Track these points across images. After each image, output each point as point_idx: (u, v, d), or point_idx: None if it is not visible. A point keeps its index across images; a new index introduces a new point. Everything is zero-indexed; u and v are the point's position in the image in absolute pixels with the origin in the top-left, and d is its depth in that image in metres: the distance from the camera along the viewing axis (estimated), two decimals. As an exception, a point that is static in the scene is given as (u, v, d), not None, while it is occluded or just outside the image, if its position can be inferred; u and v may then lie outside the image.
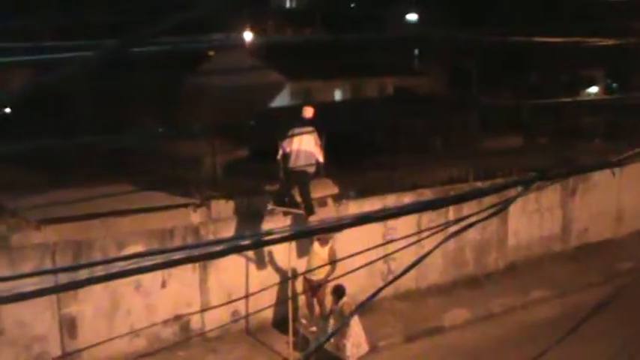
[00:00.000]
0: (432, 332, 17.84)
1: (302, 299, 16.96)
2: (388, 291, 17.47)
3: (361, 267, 7.16)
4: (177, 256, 5.63)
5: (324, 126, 17.17)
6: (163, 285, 16.03)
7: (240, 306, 16.85)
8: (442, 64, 42.53)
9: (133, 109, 27.14)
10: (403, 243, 6.98)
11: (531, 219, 22.31)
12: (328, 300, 15.80)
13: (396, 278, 5.62)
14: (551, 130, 30.76)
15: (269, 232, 6.75)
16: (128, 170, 18.94)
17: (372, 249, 6.42)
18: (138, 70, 26.54)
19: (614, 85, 45.50)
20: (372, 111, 32.15)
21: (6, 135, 23.66)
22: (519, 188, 6.62)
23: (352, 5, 49.93)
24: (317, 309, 16.58)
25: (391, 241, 7.97)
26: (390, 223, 17.58)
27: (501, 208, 5.84)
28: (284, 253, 16.34)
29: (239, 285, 16.85)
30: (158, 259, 5.67)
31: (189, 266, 15.90)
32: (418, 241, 7.25)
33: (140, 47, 4.97)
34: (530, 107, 30.92)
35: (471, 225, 5.53)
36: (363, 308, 14.62)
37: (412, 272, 6.39)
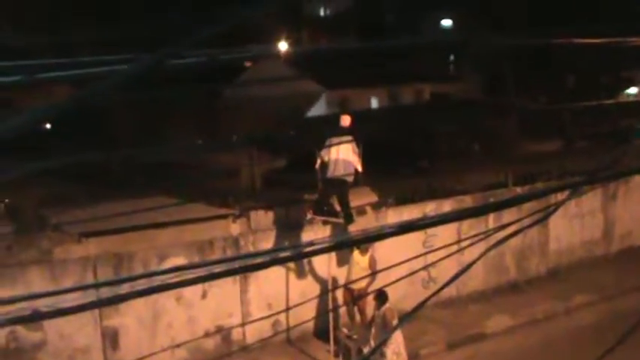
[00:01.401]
0: (474, 339, 17.70)
1: (343, 308, 16.91)
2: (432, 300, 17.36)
3: (403, 278, 7.13)
4: (217, 268, 5.63)
5: (362, 134, 17.15)
6: (204, 296, 16.07)
7: (281, 316, 16.84)
8: (478, 69, 42.31)
9: (172, 122, 27.30)
10: (444, 251, 6.93)
11: (572, 223, 22.10)
12: (370, 308, 15.75)
13: (439, 290, 5.57)
14: (590, 133, 30.47)
15: (309, 244, 6.72)
16: (168, 183, 19.04)
17: (413, 259, 6.39)
18: (176, 84, 26.72)
19: (655, 86, 44.97)
20: (409, 118, 32.07)
21: (47, 150, 23.89)
22: (559, 194, 6.55)
23: (387, 13, 49.85)
24: (358, 317, 16.53)
25: (432, 250, 7.91)
26: (431, 230, 17.48)
27: (545, 216, 5.78)
28: (324, 263, 16.32)
29: (279, 295, 16.85)
30: (199, 272, 5.68)
31: (229, 277, 15.93)
32: (459, 250, 7.21)
33: (176, 60, 4.99)
34: (568, 110, 30.67)
35: (511, 235, 5.47)
36: (408, 320, 14.53)
37: (455, 281, 6.33)
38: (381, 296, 14.87)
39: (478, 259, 5.45)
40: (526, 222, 5.46)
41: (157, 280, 5.50)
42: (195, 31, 3.35)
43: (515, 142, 30.46)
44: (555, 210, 5.95)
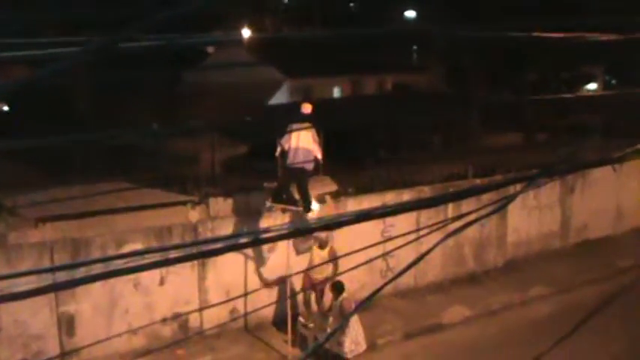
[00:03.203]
0: (431, 330, 17.79)
1: (300, 297, 16.92)
2: (387, 288, 17.37)
3: (360, 265, 7.14)
4: (175, 254, 5.59)
5: (323, 123, 17.14)
6: (161, 283, 15.98)
7: (239, 304, 16.82)
8: (441, 60, 42.48)
9: (132, 106, 27.10)
10: (402, 240, 6.94)
11: (530, 216, 22.30)
12: (327, 297, 15.78)
13: (395, 277, 5.58)
14: (550, 127, 30.76)
15: (267, 230, 6.69)
16: (127, 168, 18.91)
17: (371, 246, 6.41)
18: (137, 67, 26.53)
19: (613, 81, 45.47)
20: (371, 108, 32.13)
21: (3, 132, 23.61)
22: (518, 186, 6.57)
23: (351, 3, 49.85)
24: (314, 306, 16.55)
25: (390, 238, 7.93)
26: (389, 220, 17.48)
27: (501, 206, 5.81)
28: (282, 251, 16.30)
29: (237, 283, 16.80)
30: (156, 257, 5.63)
31: (187, 264, 15.87)
32: (417, 238, 7.23)
33: (135, 43, 4.94)
34: (529, 104, 30.91)
35: (470, 223, 5.50)
36: (363, 307, 14.59)
37: (411, 269, 6.35)
38: (338, 287, 14.91)
39: (435, 246, 5.46)
40: (483, 212, 5.48)
41: (114, 265, 5.45)
42: (151, 14, 3.32)
43: (476, 134, 30.67)
44: (511, 201, 5.99)
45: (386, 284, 5.50)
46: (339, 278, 14.54)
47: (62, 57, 4.39)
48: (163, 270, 15.45)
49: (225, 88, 30.36)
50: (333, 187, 17.87)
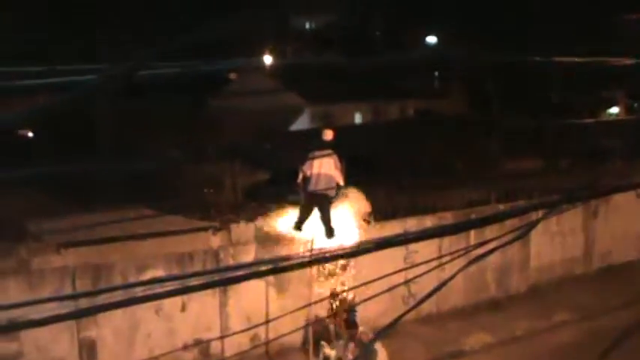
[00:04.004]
0: (453, 356, 17.66)
1: (322, 324, 16.84)
2: (409, 315, 17.31)
3: (382, 292, 7.11)
4: (196, 280, 5.59)
5: (345, 149, 17.17)
6: (183, 309, 15.98)
7: (260, 330, 16.77)
8: (462, 85, 42.42)
9: (155, 131, 27.21)
10: (424, 267, 6.92)
11: (553, 241, 22.15)
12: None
13: (418, 304, 5.56)
14: (573, 152, 30.57)
15: (288, 258, 6.71)
16: (149, 194, 18.95)
17: (394, 273, 6.38)
18: (160, 93, 26.72)
19: (636, 105, 45.22)
20: (393, 133, 32.10)
21: (28, 159, 23.74)
22: (540, 212, 6.54)
23: (373, 29, 50.01)
24: (337, 331, 16.46)
25: (413, 266, 7.89)
26: (412, 246, 17.45)
27: (524, 233, 5.78)
28: (304, 277, 16.28)
29: (259, 309, 16.77)
30: (177, 284, 5.63)
31: (209, 290, 15.84)
32: (440, 265, 7.20)
33: (155, 69, 4.97)
34: (552, 129, 30.78)
35: (492, 251, 5.48)
36: (383, 335, 14.50)
37: (433, 296, 6.32)
38: (351, 323, 14.89)
39: (457, 273, 5.45)
40: (505, 239, 5.45)
41: (136, 292, 5.45)
42: (171, 41, 3.34)
43: (499, 159, 30.53)
44: (532, 228, 5.98)
45: (408, 312, 5.48)
46: (362, 304, 14.49)
47: (84, 83, 4.43)
48: (185, 296, 15.46)
49: (247, 114, 30.46)
50: (367, 206, 17.87)
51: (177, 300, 15.58)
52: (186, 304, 15.96)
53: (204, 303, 16.21)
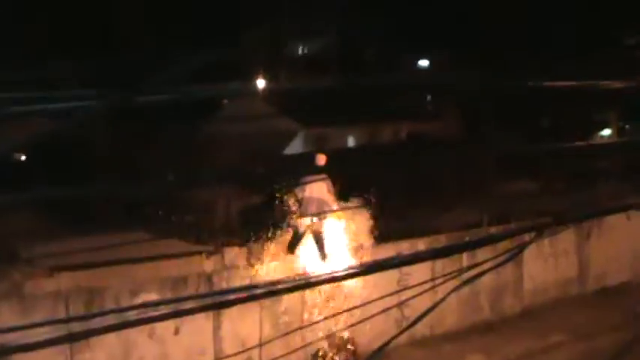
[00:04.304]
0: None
1: (316, 347, 16.81)
2: (403, 338, 17.31)
3: (375, 315, 7.12)
4: (190, 304, 5.60)
5: (338, 172, 17.23)
6: (176, 332, 15.93)
7: (254, 354, 16.70)
8: (455, 108, 42.55)
9: (148, 157, 27.24)
10: (418, 289, 6.94)
11: (547, 262, 22.19)
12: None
13: (409, 326, 5.59)
14: (566, 174, 30.64)
15: (283, 281, 6.72)
16: (142, 217, 18.95)
17: (387, 296, 6.40)
18: (153, 118, 26.76)
19: (627, 126, 45.42)
20: (386, 156, 32.17)
21: (20, 182, 23.73)
22: (533, 234, 6.58)
23: (365, 52, 50.21)
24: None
25: (405, 288, 7.93)
26: (405, 269, 17.45)
27: (514, 254, 5.83)
28: (298, 300, 16.28)
29: (253, 332, 16.73)
30: (171, 308, 5.65)
31: (202, 313, 15.80)
32: (433, 287, 7.22)
33: (151, 95, 5.01)
34: (545, 151, 30.88)
35: (484, 272, 5.51)
36: (375, 358, 14.51)
37: (427, 318, 6.34)
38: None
39: (449, 293, 5.48)
40: (496, 260, 5.49)
41: (129, 315, 5.47)
42: (167, 67, 3.38)
43: (492, 182, 30.57)
44: (523, 250, 6.02)
45: (400, 334, 5.50)
46: (354, 328, 14.48)
47: (78, 109, 4.47)
48: (178, 319, 15.42)
49: (239, 138, 30.49)
50: (362, 229, 17.94)
51: (170, 323, 15.52)
52: (180, 327, 15.91)
53: (198, 326, 16.16)
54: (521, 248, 5.92)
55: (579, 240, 23.03)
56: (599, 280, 23.75)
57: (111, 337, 14.70)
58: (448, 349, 19.17)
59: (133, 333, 15.06)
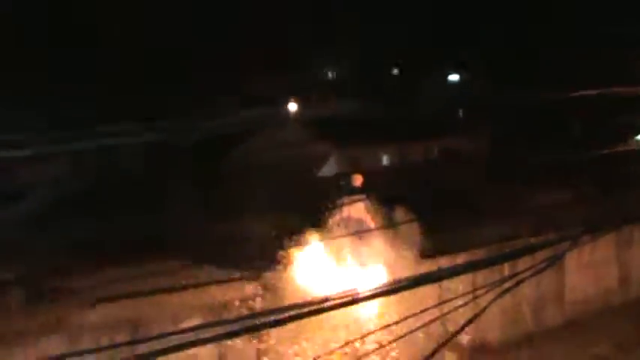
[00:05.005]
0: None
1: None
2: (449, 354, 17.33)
3: (416, 329, 7.13)
4: (232, 327, 5.66)
5: (374, 192, 17.28)
6: (221, 359, 15.96)
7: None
8: (485, 122, 42.44)
9: (179, 192, 27.49)
10: (459, 302, 6.96)
11: (588, 273, 21.98)
12: None
13: (452, 337, 5.60)
14: (600, 181, 30.41)
15: (325, 300, 6.78)
16: (181, 246, 19.12)
17: (427, 310, 6.41)
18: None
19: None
20: (420, 174, 32.18)
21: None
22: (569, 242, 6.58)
23: (394, 72, 50.28)
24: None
25: (445, 301, 7.93)
26: (445, 284, 17.38)
27: (551, 263, 5.83)
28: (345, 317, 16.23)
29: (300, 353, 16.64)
30: (212, 332, 5.71)
31: (246, 339, 15.82)
32: (474, 298, 7.23)
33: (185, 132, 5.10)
34: (577, 160, 30.69)
35: (523, 280, 5.52)
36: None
37: (470, 332, 6.31)
38: None
39: (490, 303, 5.50)
40: (534, 270, 5.51)
41: (172, 340, 5.54)
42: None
43: (527, 193, 30.41)
44: (558, 259, 6.03)
45: (443, 345, 5.51)
46: (397, 345, 14.46)
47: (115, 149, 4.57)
48: (221, 347, 15.42)
49: (272, 163, 30.61)
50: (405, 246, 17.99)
51: (213, 351, 15.56)
52: (224, 354, 15.92)
53: (242, 353, 16.14)
54: (558, 257, 5.94)
55: (620, 247, 22.80)
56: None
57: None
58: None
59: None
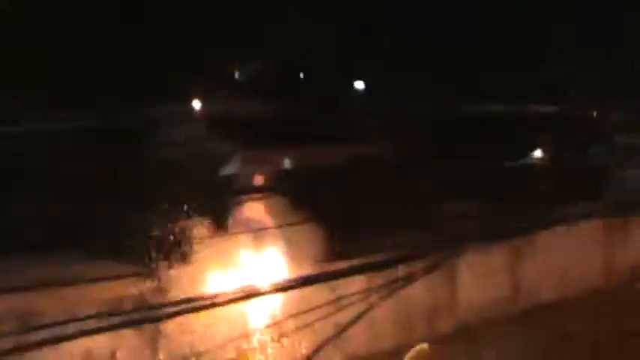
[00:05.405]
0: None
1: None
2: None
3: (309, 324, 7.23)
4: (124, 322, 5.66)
5: (275, 193, 17.37)
6: (113, 356, 15.78)
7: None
8: (395, 130, 42.83)
9: (84, 183, 27.01)
10: (352, 303, 7.08)
11: (480, 281, 22.44)
12: None
13: (340, 333, 5.71)
14: (498, 194, 31.10)
15: (216, 296, 6.82)
16: (77, 240, 18.84)
17: (317, 309, 6.52)
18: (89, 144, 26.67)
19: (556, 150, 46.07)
20: (323, 178, 32.36)
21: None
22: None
23: (301, 75, 50.45)
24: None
25: (336, 300, 8.06)
26: (339, 290, 17.47)
27: (436, 266, 6.00)
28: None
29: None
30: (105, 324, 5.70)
31: (138, 335, 15.68)
32: (366, 299, 7.36)
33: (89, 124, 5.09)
34: (485, 172, 31.35)
35: (413, 280, 5.66)
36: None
37: (363, 338, 6.41)
38: None
39: (383, 299, 5.62)
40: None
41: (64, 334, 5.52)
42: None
43: (432, 203, 30.82)
44: (444, 262, 6.20)
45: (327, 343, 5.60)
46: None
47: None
48: (114, 343, 15.23)
49: (174, 159, 30.38)
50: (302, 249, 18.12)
51: (106, 349, 15.36)
52: (116, 350, 15.74)
53: (135, 349, 15.99)
54: (447, 258, 6.12)
55: (512, 256, 23.34)
56: (533, 296, 24.02)
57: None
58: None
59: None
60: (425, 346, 16.52)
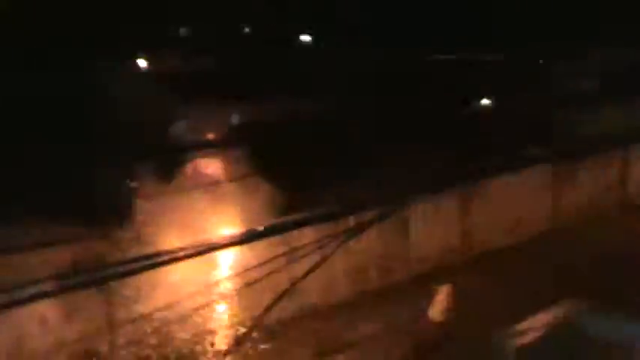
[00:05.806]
0: (344, 348, 17.88)
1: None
2: (296, 310, 17.61)
3: (261, 279, 7.28)
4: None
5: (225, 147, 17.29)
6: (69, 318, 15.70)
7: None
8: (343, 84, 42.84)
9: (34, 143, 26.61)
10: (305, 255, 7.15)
11: (432, 229, 22.66)
12: None
13: (294, 284, 5.77)
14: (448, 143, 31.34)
15: (171, 252, 6.84)
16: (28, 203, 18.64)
17: (272, 260, 6.58)
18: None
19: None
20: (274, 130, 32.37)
21: None
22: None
23: (247, 29, 50.02)
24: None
25: (289, 252, 8.10)
26: (294, 243, 17.51)
27: (387, 214, 6.07)
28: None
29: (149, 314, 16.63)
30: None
31: (94, 296, 15.62)
32: (319, 249, 7.43)
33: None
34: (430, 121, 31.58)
35: (365, 228, 5.72)
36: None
37: (318, 289, 6.47)
38: None
39: (336, 248, 5.68)
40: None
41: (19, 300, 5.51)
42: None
43: (380, 154, 30.90)
44: (394, 212, 6.28)
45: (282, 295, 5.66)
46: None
47: None
48: (70, 306, 15.16)
49: (121, 117, 30.12)
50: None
51: (61, 312, 15.27)
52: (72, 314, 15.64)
53: (90, 311, 15.92)
54: (398, 207, 6.20)
55: (461, 206, 23.58)
56: (484, 245, 24.28)
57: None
58: (341, 318, 19.34)
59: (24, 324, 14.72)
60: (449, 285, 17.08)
